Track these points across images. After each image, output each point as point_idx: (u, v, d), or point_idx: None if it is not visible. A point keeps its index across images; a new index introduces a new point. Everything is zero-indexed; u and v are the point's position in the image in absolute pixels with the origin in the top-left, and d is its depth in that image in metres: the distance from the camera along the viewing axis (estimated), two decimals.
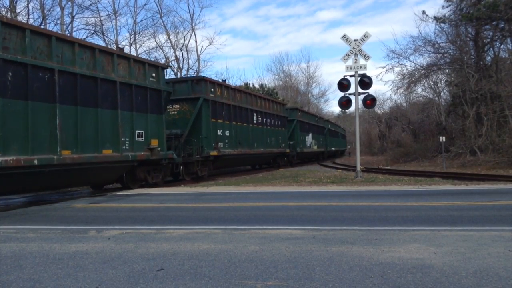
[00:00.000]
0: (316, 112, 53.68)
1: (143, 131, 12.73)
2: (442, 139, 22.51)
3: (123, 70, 12.12)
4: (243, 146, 20.13)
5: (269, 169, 25.70)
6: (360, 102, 14.60)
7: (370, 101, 14.62)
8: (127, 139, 12.05)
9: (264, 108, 23.58)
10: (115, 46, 28.50)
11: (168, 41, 35.08)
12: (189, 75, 33.03)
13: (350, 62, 14.36)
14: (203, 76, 17.77)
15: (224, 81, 19.46)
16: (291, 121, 29.54)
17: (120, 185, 13.67)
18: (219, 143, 17.48)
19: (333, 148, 47.22)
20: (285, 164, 28.66)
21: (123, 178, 13.09)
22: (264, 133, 23.24)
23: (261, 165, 27.00)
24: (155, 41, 52.49)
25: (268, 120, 24.09)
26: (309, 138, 33.90)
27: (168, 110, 16.31)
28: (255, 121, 21.99)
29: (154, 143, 13.15)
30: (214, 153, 17.02)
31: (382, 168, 24.91)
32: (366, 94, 14.45)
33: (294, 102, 50.50)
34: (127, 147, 12.02)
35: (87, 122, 10.70)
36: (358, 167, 14.82)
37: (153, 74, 13.33)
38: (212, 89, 17.44)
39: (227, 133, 18.51)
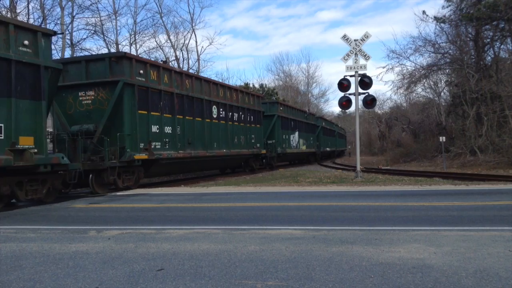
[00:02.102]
0: (315, 110, 53.60)
1: (1, 125, 8.79)
2: (442, 139, 22.54)
3: None
4: (195, 147, 16.03)
5: (241, 174, 21.54)
6: (360, 102, 14.60)
7: (370, 101, 14.62)
8: None
9: (230, 100, 19.39)
10: (115, 46, 28.54)
11: (168, 41, 35.08)
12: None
13: (350, 62, 14.36)
14: (125, 52, 13.42)
15: (165, 62, 15.50)
16: (271, 117, 25.38)
17: None
18: (152, 143, 13.48)
19: (327, 149, 43.13)
20: (263, 167, 24.50)
21: None
22: (230, 130, 19.11)
23: (233, 169, 23.02)
24: (155, 41, 52.55)
25: (236, 115, 19.93)
26: (294, 137, 29.60)
27: (81, 98, 12.75)
28: (215, 116, 17.80)
29: (26, 142, 9.24)
30: (141, 156, 12.85)
31: (382, 168, 24.93)
32: (366, 94, 14.45)
33: (294, 102, 50.46)
34: None
35: None
36: (358, 167, 14.82)
37: (26, 42, 9.26)
38: (141, 71, 13.20)
39: (167, 130, 14.42)
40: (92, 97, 12.70)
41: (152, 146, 13.45)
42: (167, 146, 14.32)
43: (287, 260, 4.19)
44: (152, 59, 27.74)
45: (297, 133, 30.27)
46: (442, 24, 27.57)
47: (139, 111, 13.06)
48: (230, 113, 19.38)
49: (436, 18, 27.55)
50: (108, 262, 4.32)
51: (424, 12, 31.12)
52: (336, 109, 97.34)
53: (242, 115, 20.69)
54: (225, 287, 3.45)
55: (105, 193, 11.91)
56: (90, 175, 11.68)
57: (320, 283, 3.46)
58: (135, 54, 27.44)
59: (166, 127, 14.36)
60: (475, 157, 23.48)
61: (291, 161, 33.30)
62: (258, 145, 22.42)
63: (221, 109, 18.40)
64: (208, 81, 18.00)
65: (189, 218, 7.24)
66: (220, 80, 21.97)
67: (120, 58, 12.65)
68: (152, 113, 13.65)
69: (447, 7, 27.75)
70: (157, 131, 13.91)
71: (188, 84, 15.95)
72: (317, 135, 37.88)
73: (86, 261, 4.37)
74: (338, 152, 53.90)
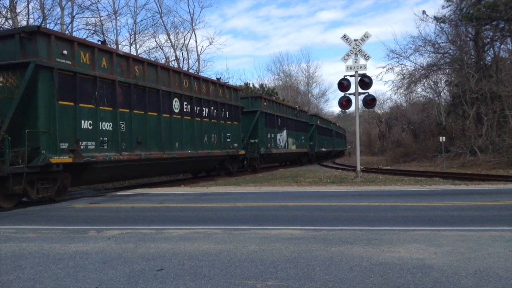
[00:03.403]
0: (315, 110, 53.50)
1: None
2: (442, 139, 22.53)
3: None
4: (148, 147, 13.21)
5: (215, 177, 18.66)
6: (360, 102, 14.60)
7: (370, 101, 14.63)
8: None
9: (198, 93, 16.51)
10: (115, 46, 28.51)
11: (168, 41, 35.11)
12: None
13: (350, 62, 14.36)
14: (39, 26, 10.33)
15: (103, 42, 12.50)
16: (253, 113, 22.52)
17: None
18: (82, 143, 10.73)
19: (323, 149, 39.87)
20: (244, 170, 21.88)
21: None
22: (197, 128, 16.24)
23: (209, 172, 20.14)
24: (155, 41, 52.77)
25: (206, 110, 17.03)
26: (282, 136, 26.65)
27: None
28: (177, 110, 14.92)
29: None
30: (62, 159, 9.97)
31: (382, 168, 24.93)
32: (366, 94, 14.45)
33: (294, 102, 50.47)
34: None
35: None
36: (358, 167, 14.82)
37: None
38: (65, 52, 10.41)
39: (106, 126, 11.63)
40: (0, 84, 10.11)
41: (82, 147, 10.74)
42: (105, 147, 11.54)
43: (287, 260, 4.19)
44: (152, 59, 26.56)
45: (285, 131, 27.21)
46: (442, 24, 27.62)
47: (61, 102, 10.26)
48: (198, 108, 16.42)
49: (436, 18, 27.58)
50: (108, 262, 4.32)
51: (424, 12, 31.23)
52: (336, 109, 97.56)
53: (215, 111, 17.75)
54: (225, 287, 3.45)
55: (11, 207, 9.38)
56: None
57: (320, 283, 3.46)
58: (135, 54, 26.93)
59: (103, 122, 11.56)
60: (475, 157, 23.49)
61: (281, 162, 31.02)
62: (235, 144, 19.50)
63: (185, 103, 15.53)
64: (166, 68, 15.06)
65: (189, 218, 7.24)
66: (220, 80, 20.15)
67: (33, 33, 9.96)
68: (81, 105, 10.84)
69: (447, 7, 27.81)
70: (90, 127, 11.12)
71: (137, 71, 13.03)
72: (310, 134, 35.06)
73: (86, 261, 4.37)
74: (336, 152, 51.47)
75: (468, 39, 28.14)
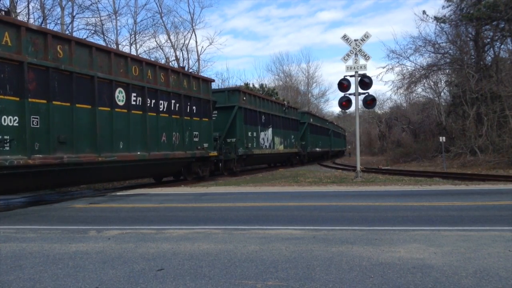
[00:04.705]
0: (315, 110, 53.45)
1: None
2: (442, 139, 22.54)
3: None
4: (77, 149, 10.44)
5: (182, 183, 15.71)
6: (360, 102, 14.60)
7: (370, 101, 14.62)
8: None
9: (154, 83, 13.55)
10: (115, 46, 28.53)
11: (168, 41, 35.14)
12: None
13: (350, 62, 14.36)
14: None
15: (7, 13, 10.19)
16: (230, 109, 19.80)
17: None
18: None
19: (317, 149, 36.74)
20: (219, 174, 19.51)
21: None
22: (152, 125, 13.34)
23: (178, 176, 17.46)
24: (156, 41, 52.84)
25: (165, 104, 14.10)
26: (266, 135, 23.75)
27: None
28: (121, 103, 12.09)
29: None
30: None
31: (382, 168, 24.93)
32: (366, 94, 14.45)
33: (294, 102, 50.39)
34: None
35: None
36: (358, 167, 14.82)
37: None
38: None
39: (8, 121, 8.88)
40: None
41: None
42: (6, 147, 8.82)
43: (287, 260, 4.19)
44: (152, 59, 25.65)
45: (270, 130, 24.34)
46: (442, 24, 27.66)
47: None
48: (153, 101, 13.54)
49: (436, 18, 27.62)
50: (108, 262, 4.32)
51: (424, 12, 31.32)
52: (336, 109, 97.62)
53: (177, 105, 14.81)
54: (225, 287, 3.45)
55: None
56: None
57: (320, 283, 3.46)
58: (135, 54, 26.86)
59: (4, 116, 8.81)
60: (475, 157, 23.50)
61: (269, 164, 28.59)
62: (205, 145, 16.57)
63: (134, 94, 12.60)
64: (106, 51, 11.90)
65: (189, 218, 7.24)
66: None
67: None
68: None
69: (447, 7, 27.84)
70: None
71: (61, 52, 10.23)
72: (302, 133, 32.36)
73: (86, 261, 4.37)
74: (333, 153, 48.79)
75: (468, 39, 28.17)
